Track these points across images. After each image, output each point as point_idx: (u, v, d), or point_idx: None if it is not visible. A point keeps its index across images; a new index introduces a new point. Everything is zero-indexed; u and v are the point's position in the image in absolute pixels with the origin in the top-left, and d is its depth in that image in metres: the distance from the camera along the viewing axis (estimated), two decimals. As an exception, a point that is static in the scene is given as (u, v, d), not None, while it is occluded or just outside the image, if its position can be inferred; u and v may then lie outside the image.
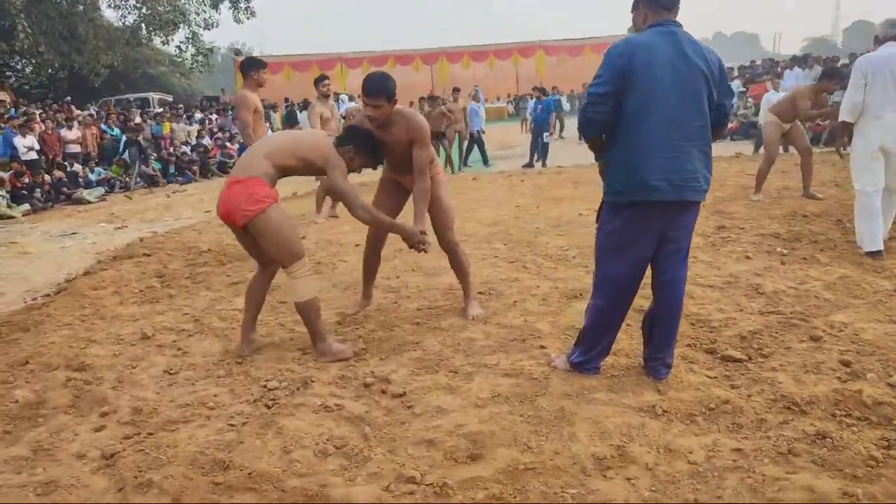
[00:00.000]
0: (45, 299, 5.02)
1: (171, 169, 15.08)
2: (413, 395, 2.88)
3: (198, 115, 18.88)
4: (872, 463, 2.12)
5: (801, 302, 3.68)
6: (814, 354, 2.95)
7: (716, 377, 2.85)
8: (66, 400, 3.05)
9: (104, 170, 13.82)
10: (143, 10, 20.93)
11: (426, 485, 2.19)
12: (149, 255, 6.01)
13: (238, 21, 23.87)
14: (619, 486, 2.12)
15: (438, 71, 30.42)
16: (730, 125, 15.45)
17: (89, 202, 12.01)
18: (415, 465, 2.32)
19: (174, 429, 2.71)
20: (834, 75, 6.85)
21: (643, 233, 2.63)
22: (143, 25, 21.19)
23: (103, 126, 15.58)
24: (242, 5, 23.87)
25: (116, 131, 15.67)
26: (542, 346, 3.27)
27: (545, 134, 13.26)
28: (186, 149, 16.23)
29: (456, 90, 13.20)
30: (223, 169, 16.06)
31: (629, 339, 3.23)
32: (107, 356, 3.55)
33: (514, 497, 2.10)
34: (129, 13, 21.55)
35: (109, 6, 21.89)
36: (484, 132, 14.26)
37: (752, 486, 2.07)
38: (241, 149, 5.87)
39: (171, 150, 15.78)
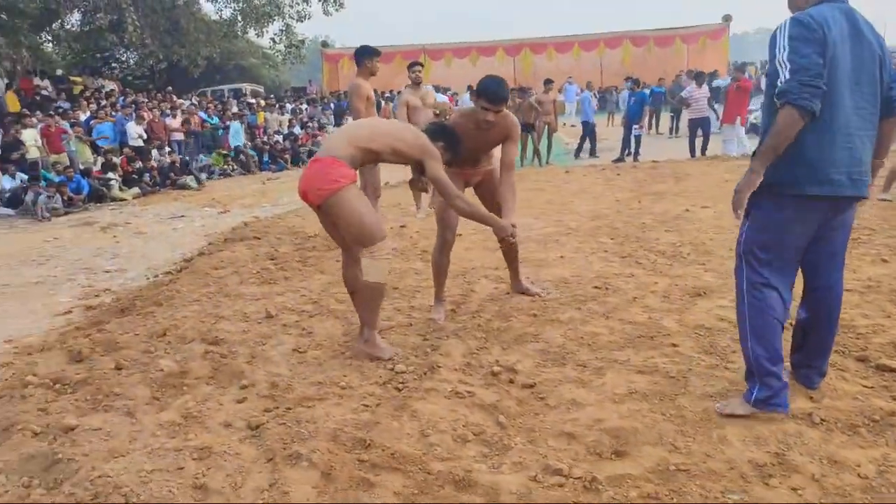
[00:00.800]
0: (169, 276, 5.31)
1: (265, 157, 15.64)
2: (543, 386, 2.85)
3: (289, 106, 19.47)
4: None
5: (957, 311, 3.39)
6: (985, 368, 2.71)
7: (872, 387, 2.66)
8: (206, 371, 3.19)
9: (205, 157, 14.49)
10: (240, 4, 21.73)
11: (574, 478, 2.15)
12: (258, 239, 6.24)
13: (327, 13, 24.26)
14: (784, 495, 2.01)
15: (522, 62, 30.09)
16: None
17: (192, 188, 12.60)
18: (558, 458, 2.28)
19: (311, 405, 2.79)
20: None
21: (806, 229, 2.41)
22: (239, 18, 22.02)
23: (203, 115, 16.33)
24: (332, -2, 24.34)
25: (216, 120, 16.41)
26: (674, 345, 3.15)
27: (635, 126, 12.87)
28: (279, 138, 16.81)
29: (549, 81, 12.99)
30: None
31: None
32: (237, 332, 3.70)
33: (671, 498, 2.03)
34: (226, 6, 22.45)
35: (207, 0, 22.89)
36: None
37: (937, 506, 1.92)
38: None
39: (265, 138, 16.38)
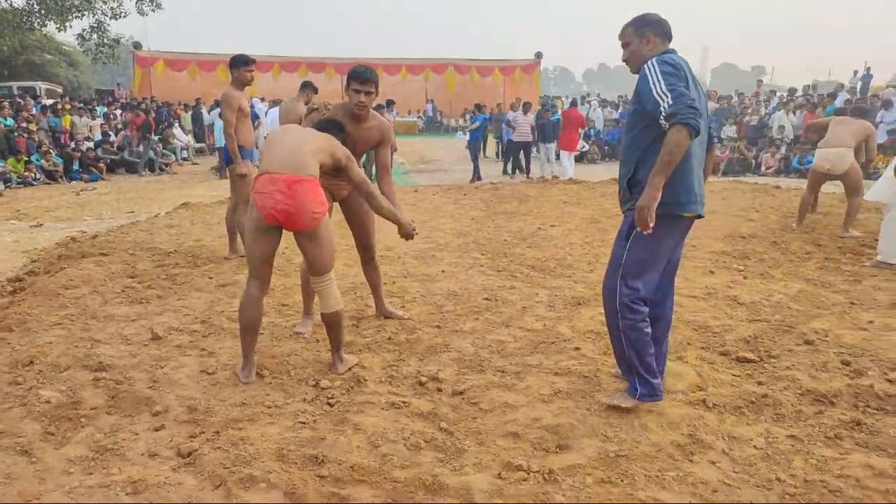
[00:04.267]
0: (4, 299, 4.60)
1: (75, 165, 14.00)
2: (472, 392, 2.99)
3: (100, 110, 17.63)
4: (902, 444, 2.50)
5: (779, 311, 4.14)
6: (815, 356, 3.36)
7: (739, 375, 3.18)
8: (102, 400, 2.87)
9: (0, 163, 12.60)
10: (36, -7, 19.25)
11: (534, 472, 2.32)
12: (105, 255, 5.63)
13: (142, 13, 22.46)
14: (707, 468, 2.36)
15: (351, 81, 30.27)
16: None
17: (-19, 197, 10.89)
18: (510, 456, 2.44)
19: (240, 427, 2.65)
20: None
21: (672, 243, 2.76)
22: (36, 8, 19.49)
23: (-8, 114, 14.18)
24: (147, -4, 22.57)
25: (10, 121, 14.34)
26: (577, 348, 3.48)
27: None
28: (90, 144, 15.14)
29: (390, 102, 13.28)
30: (131, 169, 15.13)
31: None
32: (123, 356, 3.36)
33: (622, 480, 2.27)
34: (18, -6, 19.75)
35: (-7, -17, 19.96)
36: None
37: (817, 466, 2.37)
38: (225, 149, 5.61)
39: (74, 145, 14.66)
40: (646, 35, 2.77)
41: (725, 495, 2.19)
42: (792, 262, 5.52)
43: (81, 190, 12.35)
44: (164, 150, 16.27)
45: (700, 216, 2.74)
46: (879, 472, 2.30)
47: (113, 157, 15.00)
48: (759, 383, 3.07)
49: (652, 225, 2.56)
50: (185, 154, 17.73)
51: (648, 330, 2.75)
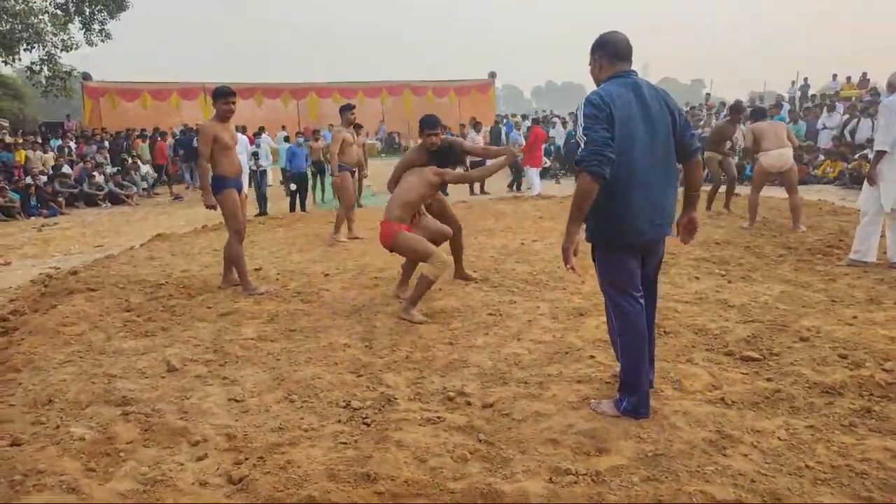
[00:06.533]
0: (-4, 339, 4.47)
1: (33, 201, 13.59)
2: (502, 404, 3.08)
3: (54, 143, 17.18)
4: (909, 427, 2.70)
5: (768, 312, 4.37)
6: (813, 351, 3.57)
7: (747, 373, 3.36)
8: (136, 434, 2.86)
9: (-47, 200, 12.14)
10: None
11: (582, 475, 2.42)
12: (94, 291, 5.52)
13: (91, 44, 22.10)
14: (741, 461, 2.50)
15: (308, 106, 30.20)
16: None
17: (-63, 237, 10.48)
18: (555, 461, 2.53)
19: (283, 451, 2.68)
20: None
21: (635, 261, 2.88)
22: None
23: (-57, 151, 13.69)
24: (96, 27, 22.19)
25: (-38, 157, 13.87)
26: (592, 356, 3.61)
27: None
28: (45, 179, 14.70)
29: (358, 126, 13.34)
30: (91, 202, 14.77)
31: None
32: (145, 389, 3.33)
33: (667, 477, 2.40)
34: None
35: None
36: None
37: (839, 452, 2.54)
38: (214, 178, 5.60)
39: (29, 180, 14.24)
40: (594, 57, 2.93)
41: (764, 485, 2.33)
42: (768, 266, 5.81)
43: (42, 226, 12.01)
44: (124, 182, 15.94)
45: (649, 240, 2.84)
46: (897, 453, 2.49)
47: (72, 190, 14.66)
48: (769, 380, 3.26)
49: (570, 265, 2.81)
50: (145, 185, 17.38)
51: (643, 347, 2.86)
